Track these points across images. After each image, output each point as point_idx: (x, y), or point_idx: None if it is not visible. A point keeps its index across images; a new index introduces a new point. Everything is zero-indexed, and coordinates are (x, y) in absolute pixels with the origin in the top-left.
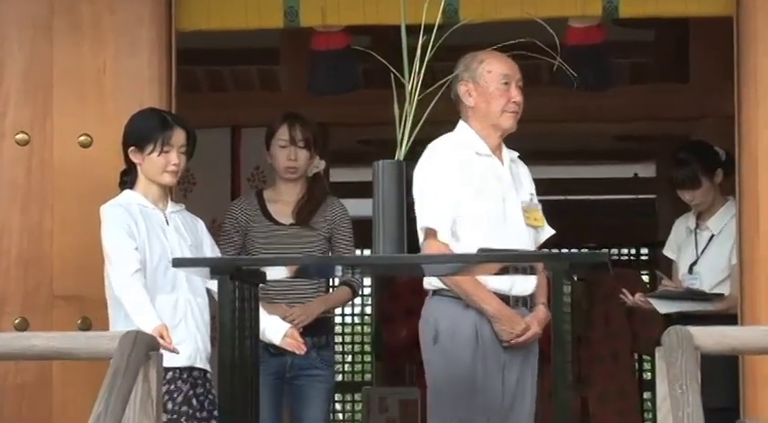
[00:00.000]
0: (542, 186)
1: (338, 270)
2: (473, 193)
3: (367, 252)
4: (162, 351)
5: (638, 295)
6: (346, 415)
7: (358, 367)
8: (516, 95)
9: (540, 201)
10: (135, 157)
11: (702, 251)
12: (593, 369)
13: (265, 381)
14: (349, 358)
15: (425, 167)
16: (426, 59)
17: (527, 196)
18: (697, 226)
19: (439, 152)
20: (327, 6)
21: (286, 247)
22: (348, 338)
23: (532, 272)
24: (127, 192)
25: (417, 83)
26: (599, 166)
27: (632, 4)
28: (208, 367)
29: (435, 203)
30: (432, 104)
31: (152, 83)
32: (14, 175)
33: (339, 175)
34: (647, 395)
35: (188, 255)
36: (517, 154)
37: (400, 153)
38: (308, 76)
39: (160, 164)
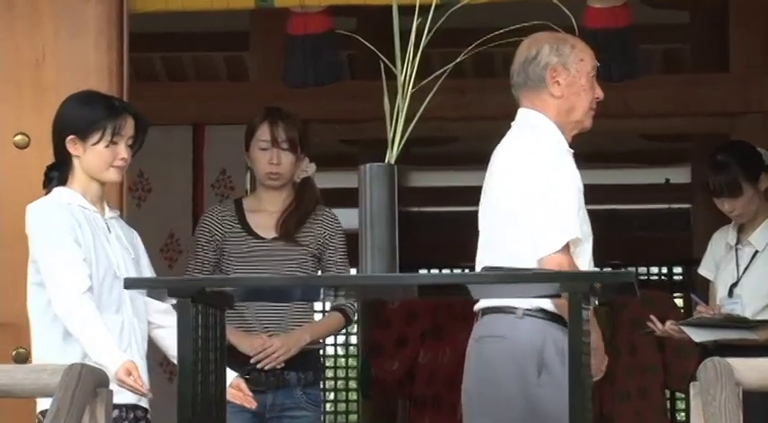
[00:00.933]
0: None
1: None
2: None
3: (353, 271)
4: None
5: (668, 323)
6: None
7: (341, 406)
8: (600, 93)
9: None
10: (74, 149)
11: (744, 270)
12: (617, 408)
13: (240, 419)
14: (331, 396)
15: (556, 164)
16: (422, 45)
17: None
18: (738, 241)
19: (559, 146)
20: None
21: (266, 266)
22: (330, 373)
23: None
24: (61, 189)
25: (411, 73)
26: (624, 171)
27: None
28: (148, 406)
29: (572, 211)
30: (428, 98)
31: (100, 72)
32: None
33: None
34: None
35: (132, 270)
36: None
37: (391, 155)
38: (284, 65)
39: (106, 157)
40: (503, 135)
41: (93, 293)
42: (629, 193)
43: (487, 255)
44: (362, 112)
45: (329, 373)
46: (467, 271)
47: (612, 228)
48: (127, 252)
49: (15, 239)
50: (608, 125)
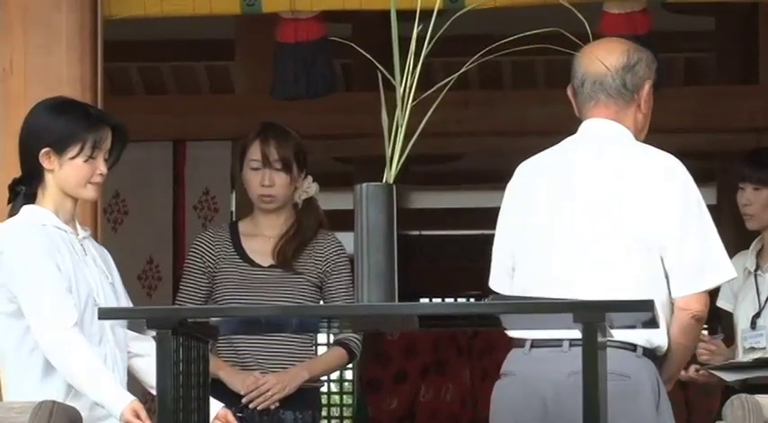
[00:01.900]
0: None
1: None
2: None
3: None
4: None
5: (692, 368)
6: None
7: None
8: None
9: None
10: (48, 163)
11: (767, 300)
12: None
13: None
14: None
15: (697, 192)
16: (423, 54)
17: None
18: (757, 267)
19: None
20: None
21: (261, 296)
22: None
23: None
24: (32, 208)
25: (411, 84)
26: None
27: None
28: None
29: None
30: (430, 112)
31: (72, 84)
32: None
33: None
34: None
35: (112, 297)
36: None
37: (390, 173)
38: (272, 76)
39: (84, 172)
40: (511, 151)
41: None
42: None
43: (574, 282)
44: (358, 126)
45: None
46: (472, 300)
47: None
48: (104, 276)
49: None
50: None
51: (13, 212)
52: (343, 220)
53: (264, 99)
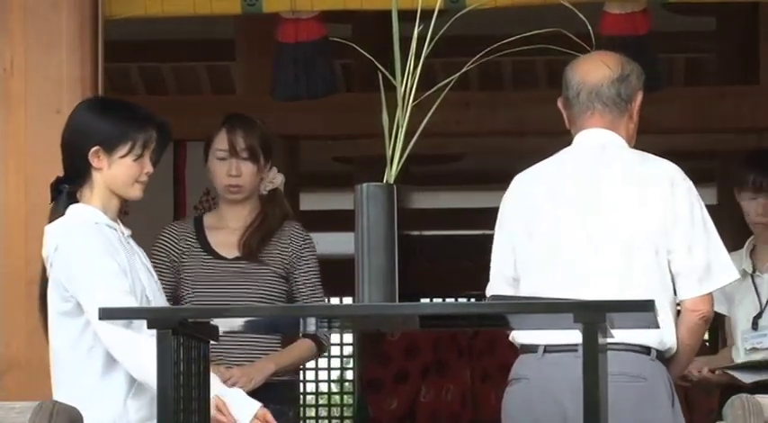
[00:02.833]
0: None
1: (311, 324)
2: None
3: (348, 300)
4: None
5: (705, 369)
6: None
7: None
8: None
9: None
10: (97, 161)
11: None
12: None
13: None
14: None
15: (696, 193)
16: (423, 54)
17: None
18: (754, 269)
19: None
20: None
21: (225, 288)
22: (323, 412)
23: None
24: (82, 207)
25: (412, 84)
26: None
27: None
28: None
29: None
30: (431, 112)
31: (72, 85)
32: None
33: (310, 201)
34: None
35: (159, 296)
36: None
37: (390, 173)
38: (272, 76)
39: (133, 172)
40: (512, 151)
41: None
42: None
43: (584, 285)
44: (358, 127)
45: (322, 412)
46: (472, 300)
47: None
48: (149, 274)
49: None
50: None
51: (56, 211)
52: (344, 220)
53: (265, 99)
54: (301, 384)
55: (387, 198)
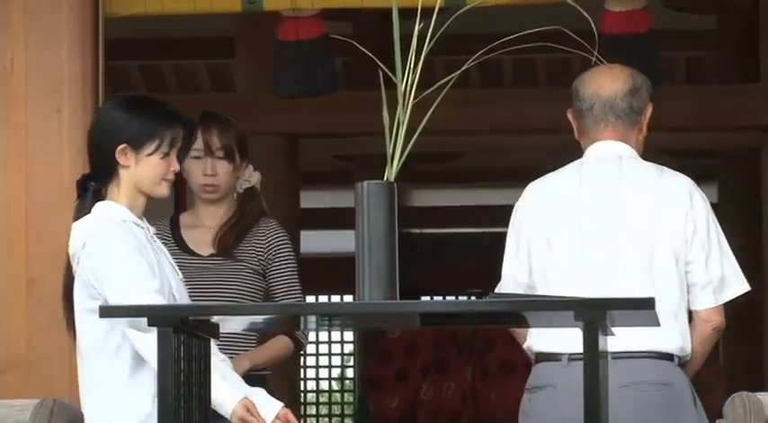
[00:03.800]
0: None
1: (311, 322)
2: None
3: (348, 298)
4: None
5: None
6: None
7: None
8: None
9: None
10: (123, 159)
11: None
12: None
13: None
14: None
15: (709, 206)
16: (424, 52)
17: None
18: None
19: None
20: None
21: (199, 284)
22: (324, 410)
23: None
24: (109, 204)
25: (412, 82)
26: None
27: None
28: None
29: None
30: (431, 110)
31: (73, 83)
32: None
33: (311, 199)
34: None
35: (184, 293)
36: None
37: (391, 171)
38: (273, 74)
39: (160, 170)
40: (512, 149)
41: None
42: None
43: (599, 286)
44: (359, 125)
45: (323, 410)
46: (473, 298)
47: None
48: (175, 272)
49: None
50: None
51: (82, 208)
52: (344, 218)
53: (265, 97)
54: (302, 382)
55: (387, 196)
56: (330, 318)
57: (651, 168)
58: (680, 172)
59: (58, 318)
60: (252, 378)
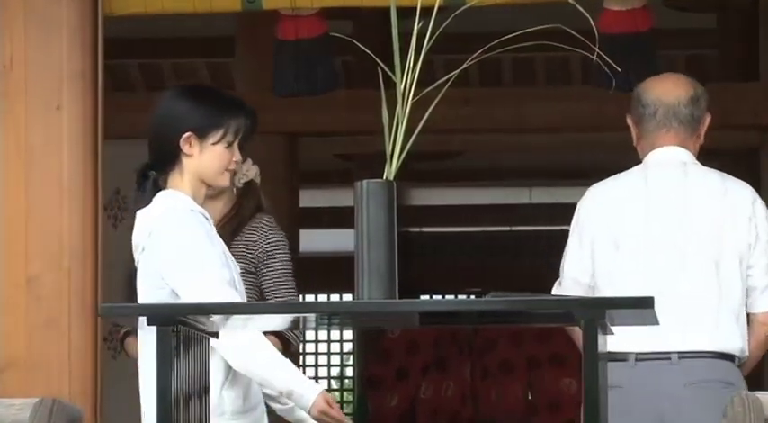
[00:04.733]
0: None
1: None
2: None
3: (347, 297)
4: None
5: None
6: None
7: None
8: None
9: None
10: (188, 148)
11: None
12: None
13: None
14: None
15: None
16: (423, 51)
17: None
18: None
19: None
20: None
21: None
22: None
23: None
24: (173, 193)
25: (412, 81)
26: None
27: None
28: None
29: None
30: (430, 108)
31: (72, 81)
32: None
33: (311, 198)
34: None
35: (242, 284)
36: None
37: (390, 170)
38: (272, 73)
39: (225, 159)
40: (511, 148)
41: None
42: None
43: (674, 297)
44: (359, 124)
45: None
46: (473, 297)
47: None
48: (235, 265)
49: None
50: (626, 139)
51: (143, 197)
52: (344, 217)
53: (265, 96)
54: None
55: (386, 195)
56: (329, 316)
57: (715, 175)
58: None
59: (58, 316)
60: None
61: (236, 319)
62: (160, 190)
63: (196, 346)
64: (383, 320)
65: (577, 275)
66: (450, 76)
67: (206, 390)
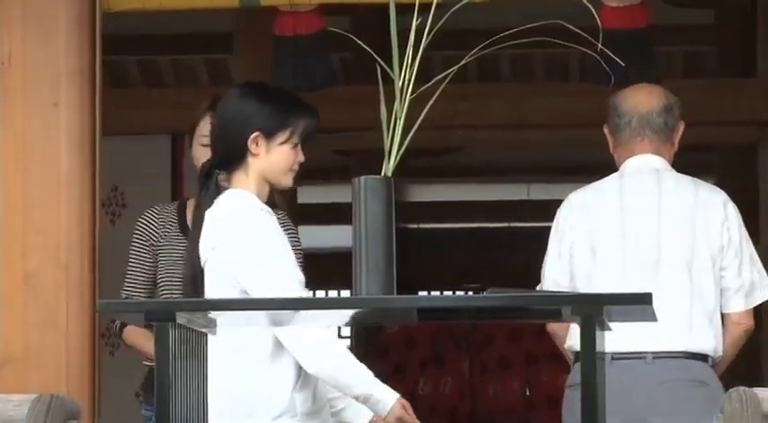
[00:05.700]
0: None
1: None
2: None
3: (345, 293)
4: None
5: None
6: None
7: None
8: None
9: None
10: (255, 147)
11: None
12: None
13: None
14: None
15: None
16: (422, 47)
17: None
18: None
19: None
20: None
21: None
22: None
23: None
24: (240, 192)
25: (410, 77)
26: None
27: None
28: None
29: None
30: (429, 105)
31: (71, 77)
32: None
33: (309, 194)
34: None
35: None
36: None
37: (388, 166)
38: (271, 69)
39: (290, 159)
40: (509, 144)
41: None
42: None
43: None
44: (357, 120)
45: None
46: (470, 293)
47: None
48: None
49: None
50: None
51: (207, 196)
52: (342, 213)
53: None
54: None
55: (385, 191)
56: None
57: (688, 181)
58: (677, 166)
59: (56, 312)
60: None
61: (302, 316)
62: (221, 190)
63: (194, 341)
64: (381, 316)
65: (557, 278)
66: (448, 72)
67: (205, 385)
